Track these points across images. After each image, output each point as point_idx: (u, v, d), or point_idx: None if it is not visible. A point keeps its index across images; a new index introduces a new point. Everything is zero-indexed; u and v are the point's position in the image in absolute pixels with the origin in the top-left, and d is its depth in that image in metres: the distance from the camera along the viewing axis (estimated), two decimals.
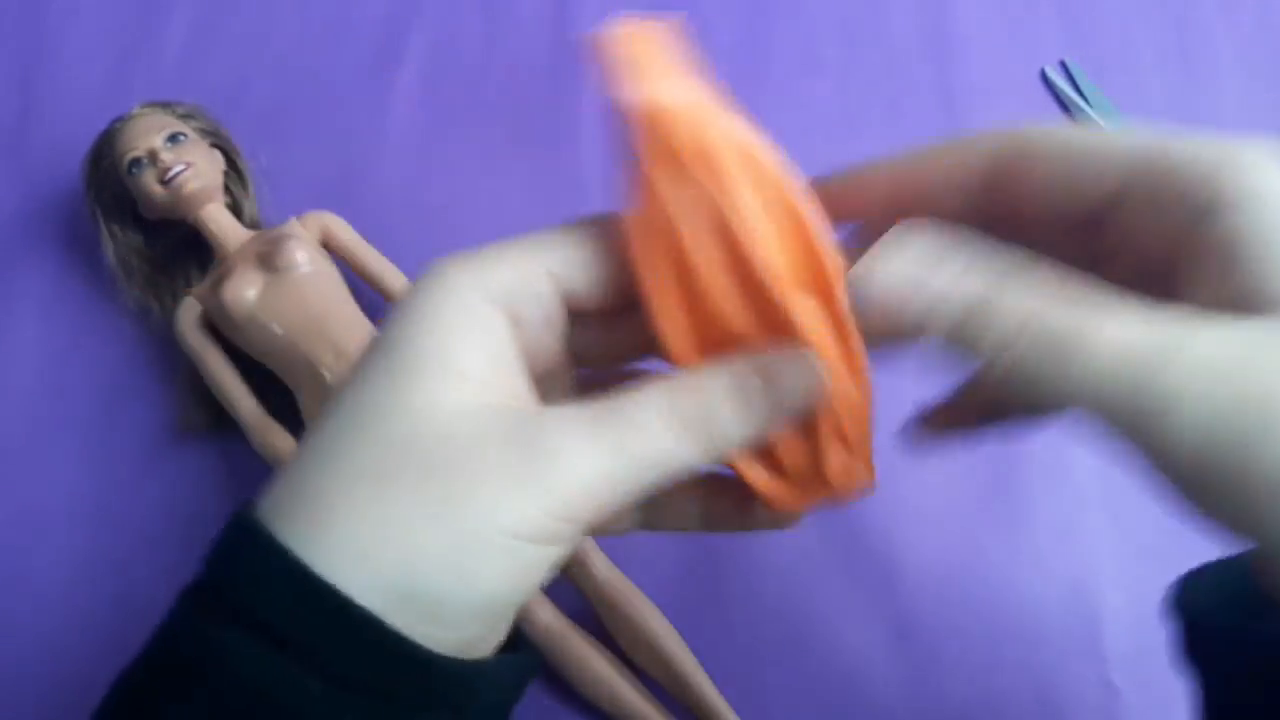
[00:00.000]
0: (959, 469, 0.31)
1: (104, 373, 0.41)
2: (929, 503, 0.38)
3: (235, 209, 0.41)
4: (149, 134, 0.39)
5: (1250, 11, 0.46)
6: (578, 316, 0.23)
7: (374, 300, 0.40)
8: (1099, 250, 0.23)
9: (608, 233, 0.22)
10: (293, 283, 0.37)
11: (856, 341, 0.22)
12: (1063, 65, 0.46)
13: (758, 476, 0.23)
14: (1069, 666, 0.36)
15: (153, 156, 0.39)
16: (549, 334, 0.22)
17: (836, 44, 0.46)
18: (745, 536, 0.38)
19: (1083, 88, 0.45)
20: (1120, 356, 0.18)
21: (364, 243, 0.40)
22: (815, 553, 0.37)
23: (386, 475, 0.19)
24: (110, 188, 0.41)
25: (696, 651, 0.35)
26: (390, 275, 0.40)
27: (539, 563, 0.20)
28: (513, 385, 0.21)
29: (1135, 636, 0.36)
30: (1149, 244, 0.21)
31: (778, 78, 0.46)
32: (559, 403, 0.21)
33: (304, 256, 0.38)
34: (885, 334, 0.21)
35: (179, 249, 0.42)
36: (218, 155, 0.41)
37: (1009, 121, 0.23)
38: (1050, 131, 0.22)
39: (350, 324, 0.38)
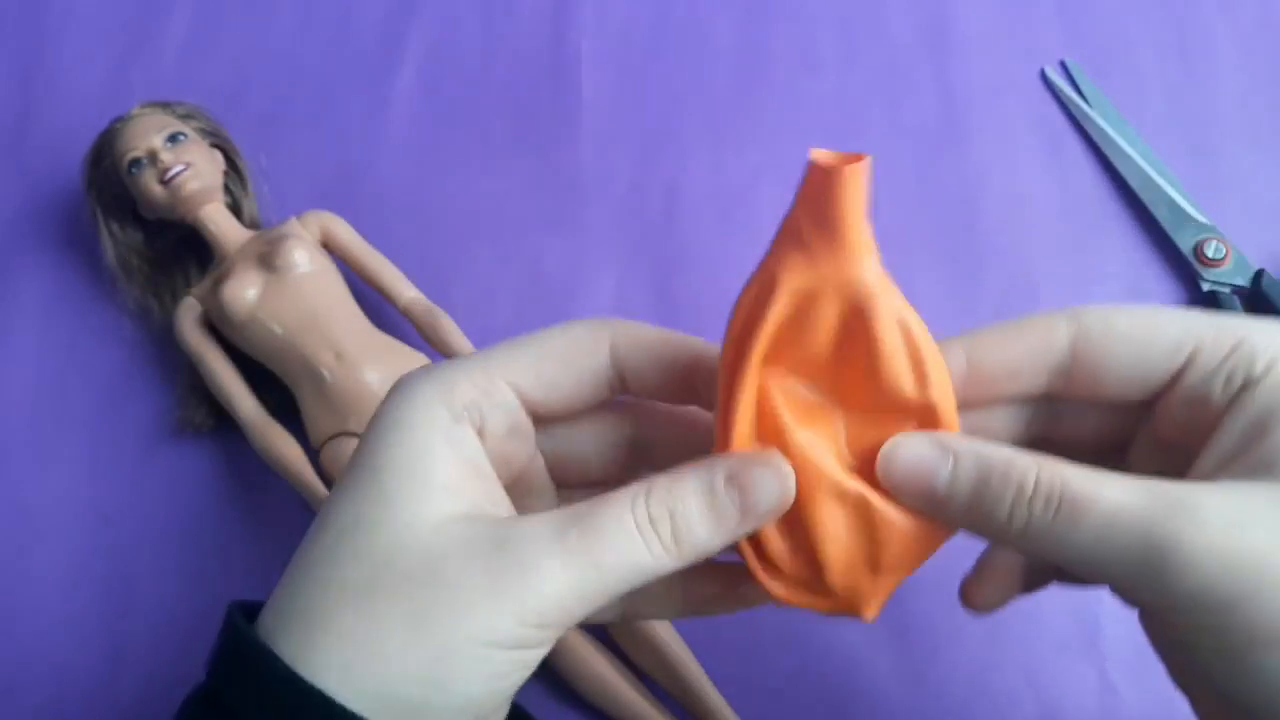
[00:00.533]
0: None
1: (103, 372, 0.41)
2: None
3: (235, 209, 0.41)
4: (149, 134, 0.39)
5: (1250, 11, 0.46)
6: (548, 422, 0.25)
7: (374, 300, 0.40)
8: (1133, 429, 0.25)
9: (565, 342, 0.24)
10: (292, 283, 0.37)
11: None
12: (1062, 65, 0.46)
13: (757, 569, 0.24)
14: (1069, 666, 0.36)
15: (152, 156, 0.39)
16: (517, 441, 0.24)
17: (836, 44, 0.46)
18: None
19: (1083, 88, 0.45)
20: (1129, 509, 0.20)
21: (364, 242, 0.40)
22: None
23: (368, 590, 0.21)
24: (110, 188, 0.41)
25: (696, 651, 0.35)
26: (390, 275, 0.40)
27: (514, 667, 0.21)
28: (488, 493, 0.23)
29: (1135, 636, 0.36)
30: (1188, 417, 0.23)
31: (778, 78, 0.46)
32: (536, 508, 0.23)
33: (304, 256, 0.38)
34: (914, 500, 0.22)
35: (179, 249, 0.42)
36: (218, 155, 0.41)
37: (1079, 305, 0.24)
38: (1121, 314, 0.24)
39: (350, 324, 0.38)
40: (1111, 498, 0.20)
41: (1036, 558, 0.23)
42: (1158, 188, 0.42)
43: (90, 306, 0.42)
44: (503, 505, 0.23)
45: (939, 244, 0.42)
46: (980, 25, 0.47)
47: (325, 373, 0.36)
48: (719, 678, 0.35)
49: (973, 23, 0.47)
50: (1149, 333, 0.23)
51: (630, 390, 0.25)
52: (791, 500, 0.22)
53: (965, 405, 0.24)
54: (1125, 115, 0.44)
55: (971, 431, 0.24)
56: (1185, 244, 0.41)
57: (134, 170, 0.39)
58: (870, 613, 0.24)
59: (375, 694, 0.20)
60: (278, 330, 0.37)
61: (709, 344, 0.25)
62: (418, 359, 0.38)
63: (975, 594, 0.28)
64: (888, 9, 0.47)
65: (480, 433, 0.23)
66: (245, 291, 0.37)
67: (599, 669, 0.35)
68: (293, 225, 0.40)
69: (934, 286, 0.42)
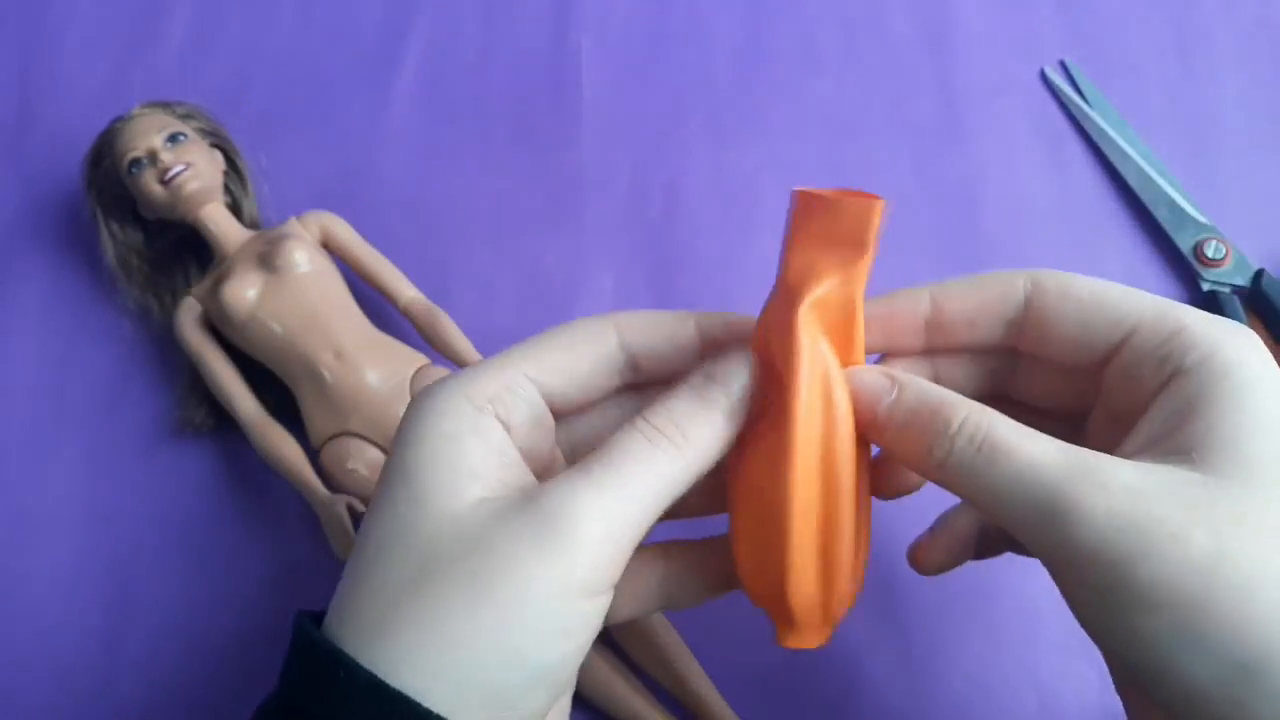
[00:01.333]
0: None
1: (103, 372, 0.41)
2: (929, 503, 0.38)
3: (235, 209, 0.41)
4: (149, 134, 0.39)
5: (1250, 11, 0.46)
6: (565, 415, 0.26)
7: (374, 300, 0.40)
8: (1088, 400, 0.26)
9: (575, 335, 0.26)
10: (293, 282, 0.37)
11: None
12: (1062, 65, 0.46)
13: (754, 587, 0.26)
14: (1069, 666, 0.36)
15: (152, 156, 0.39)
16: (541, 433, 0.25)
17: (836, 43, 0.46)
18: None
19: (1083, 88, 0.45)
20: (1043, 463, 0.22)
21: (364, 242, 0.40)
22: None
23: (421, 581, 0.21)
24: (110, 188, 0.41)
25: (695, 650, 0.35)
26: (390, 275, 0.40)
27: (580, 621, 0.22)
28: (518, 478, 0.24)
29: None
30: (1125, 391, 0.25)
31: (778, 77, 0.46)
32: None
33: (304, 256, 0.38)
34: (860, 416, 0.25)
35: (178, 249, 0.42)
36: (218, 155, 0.41)
37: (1038, 265, 0.27)
38: (1076, 280, 0.26)
39: (350, 323, 0.38)
40: (1030, 449, 0.22)
41: (954, 492, 0.24)
42: (1157, 188, 0.42)
43: (90, 306, 0.42)
44: (533, 486, 0.24)
45: (939, 243, 0.42)
46: (981, 25, 0.47)
47: (325, 372, 0.36)
48: (718, 677, 0.35)
49: (973, 22, 0.47)
50: (1098, 302, 0.25)
51: (642, 371, 0.26)
52: (752, 385, 0.25)
53: (930, 350, 0.27)
54: (1125, 115, 0.44)
55: (936, 380, 0.27)
56: (1185, 244, 0.41)
57: (134, 170, 0.39)
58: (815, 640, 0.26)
59: (453, 682, 0.20)
60: (278, 330, 0.37)
61: (707, 314, 0.27)
62: (418, 359, 0.38)
63: (925, 556, 0.30)
64: (888, 9, 0.47)
65: (505, 425, 0.24)
66: (245, 291, 0.37)
67: (599, 667, 0.35)
68: (292, 225, 0.40)
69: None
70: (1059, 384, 0.27)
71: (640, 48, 0.46)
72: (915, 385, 0.24)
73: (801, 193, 0.24)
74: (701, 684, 0.35)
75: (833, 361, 0.24)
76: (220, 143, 0.42)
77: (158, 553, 0.38)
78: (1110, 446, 0.23)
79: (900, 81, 0.46)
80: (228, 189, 0.41)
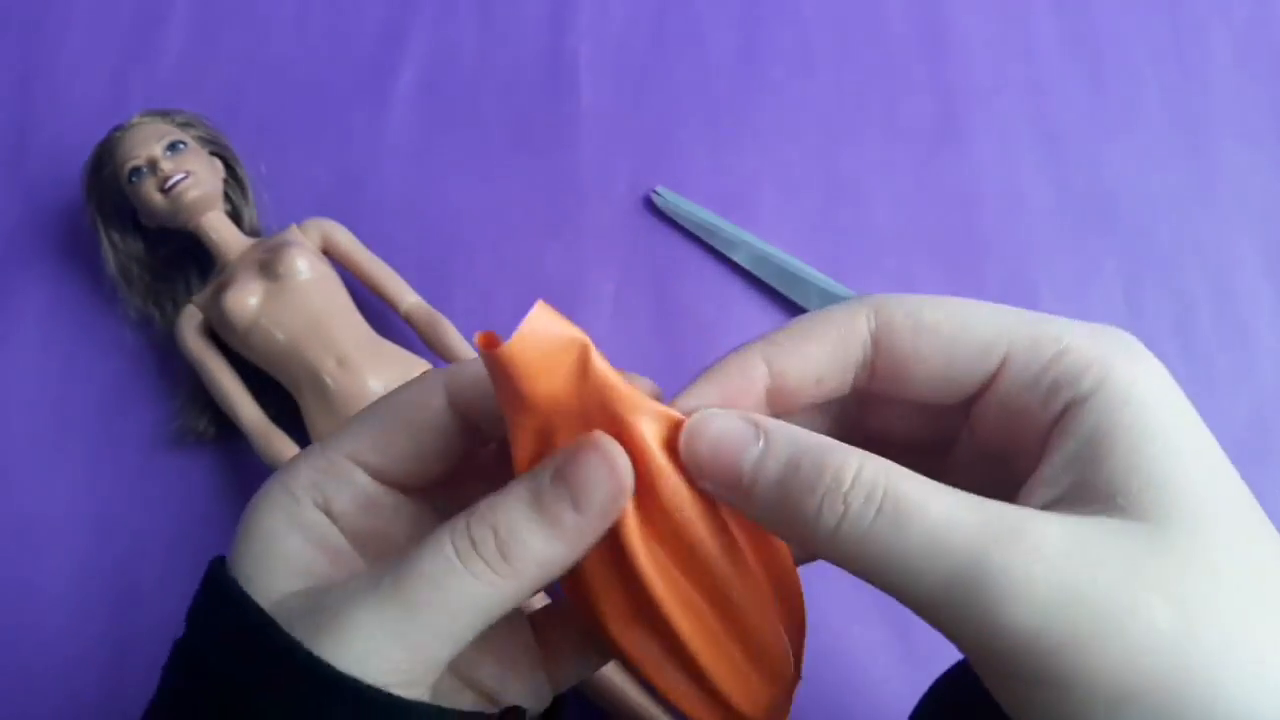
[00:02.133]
0: None
1: (105, 381, 0.41)
2: None
3: (235, 217, 0.41)
4: (149, 142, 0.39)
5: (1246, 11, 0.47)
6: (429, 488, 0.23)
7: (375, 306, 0.40)
8: (952, 432, 0.23)
9: (399, 404, 0.23)
10: (294, 290, 0.37)
11: (777, 549, 0.22)
12: (654, 194, 0.46)
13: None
14: None
15: (153, 165, 0.39)
16: (378, 515, 0.23)
17: (832, 46, 0.47)
18: None
19: (683, 210, 0.43)
20: (960, 525, 0.18)
21: (364, 249, 0.41)
22: None
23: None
24: (110, 196, 0.41)
25: None
26: (391, 281, 0.40)
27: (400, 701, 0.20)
28: (346, 566, 0.22)
29: None
30: (1005, 427, 0.21)
31: (775, 80, 0.46)
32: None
33: (305, 263, 0.38)
34: (716, 481, 0.20)
35: (179, 257, 0.42)
36: (217, 163, 0.41)
37: (874, 295, 0.22)
38: (928, 307, 0.21)
39: (351, 330, 0.38)
40: (941, 509, 0.18)
41: (848, 568, 0.19)
42: (804, 280, 0.41)
43: (91, 315, 0.42)
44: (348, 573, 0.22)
45: (937, 244, 0.43)
46: (976, 27, 0.47)
47: (328, 379, 0.36)
48: None
49: (969, 23, 0.47)
50: (957, 330, 0.21)
51: (489, 434, 0.23)
52: (630, 487, 0.20)
53: (774, 414, 0.22)
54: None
55: None
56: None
57: (134, 179, 0.39)
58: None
59: None
60: (280, 337, 0.37)
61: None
62: (419, 365, 0.38)
63: None
64: (884, 10, 0.47)
65: (328, 512, 0.22)
66: (247, 299, 0.37)
67: (608, 672, 0.35)
68: (293, 232, 0.40)
69: (932, 287, 0.42)
70: (916, 421, 0.23)
71: (637, 53, 0.47)
72: (786, 434, 0.20)
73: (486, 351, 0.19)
74: None
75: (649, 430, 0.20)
76: (220, 151, 0.42)
77: (161, 560, 0.38)
78: (983, 488, 0.19)
79: (896, 83, 0.46)
80: (228, 197, 0.41)
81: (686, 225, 0.42)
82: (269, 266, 0.38)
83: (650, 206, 0.43)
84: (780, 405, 0.22)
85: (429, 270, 0.42)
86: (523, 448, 0.21)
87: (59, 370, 0.41)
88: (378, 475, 0.23)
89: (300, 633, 0.19)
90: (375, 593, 0.19)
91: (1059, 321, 0.21)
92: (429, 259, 0.42)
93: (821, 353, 0.21)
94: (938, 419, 0.23)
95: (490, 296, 0.42)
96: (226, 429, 0.39)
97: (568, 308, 0.42)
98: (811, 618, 0.38)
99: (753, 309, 0.42)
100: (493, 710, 0.23)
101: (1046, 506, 0.19)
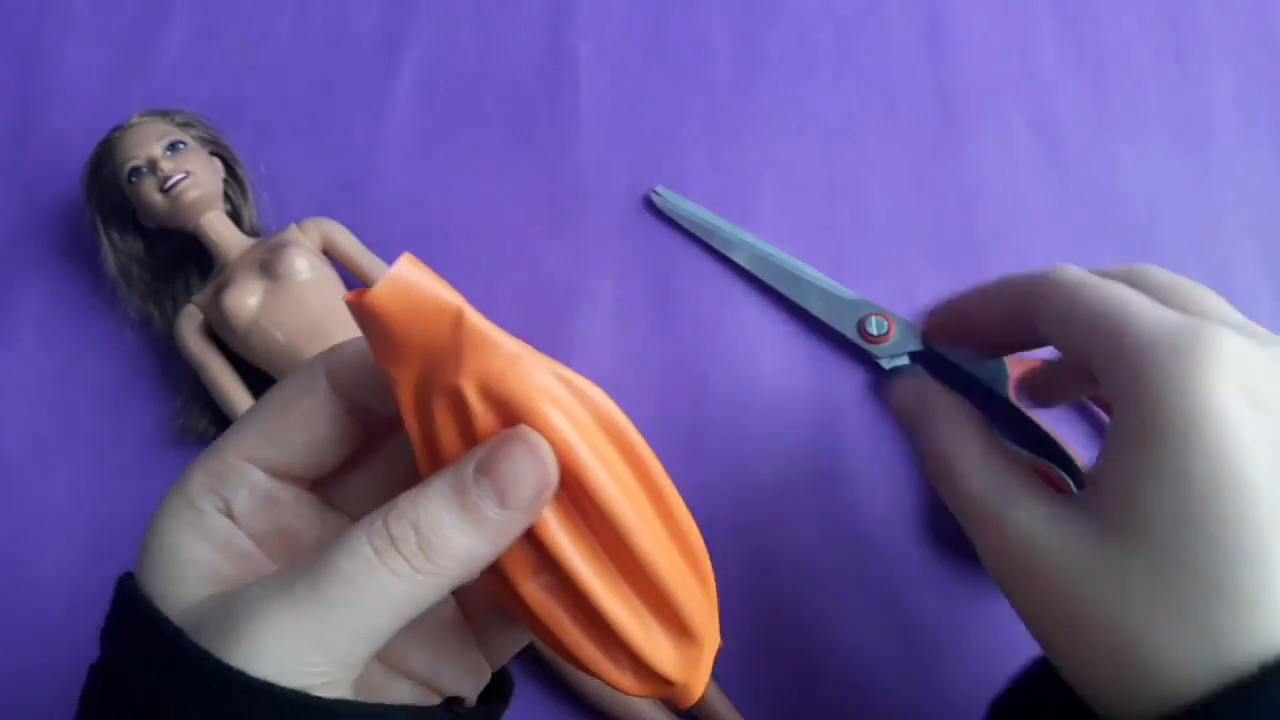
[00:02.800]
0: None
1: (105, 381, 0.41)
2: (929, 503, 0.38)
3: (235, 217, 0.41)
4: (148, 142, 0.39)
5: (1246, 11, 0.47)
6: (333, 479, 0.23)
7: None
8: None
9: (284, 395, 0.22)
10: (294, 290, 0.37)
11: (678, 509, 0.22)
12: (655, 193, 0.46)
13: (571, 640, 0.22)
14: None
15: (152, 165, 0.39)
16: (280, 512, 0.22)
17: (833, 46, 0.47)
18: (746, 536, 0.38)
19: (680, 210, 0.43)
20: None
21: (364, 249, 0.41)
22: (817, 552, 0.38)
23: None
24: (110, 197, 0.41)
25: None
26: None
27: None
28: (253, 569, 0.22)
29: None
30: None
31: (775, 80, 0.46)
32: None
33: (304, 263, 0.38)
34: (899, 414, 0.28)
35: (179, 257, 0.42)
36: (217, 163, 0.41)
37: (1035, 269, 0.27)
38: (1056, 287, 0.25)
39: (352, 330, 0.38)
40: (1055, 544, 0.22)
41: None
42: (806, 280, 0.41)
43: (91, 315, 0.42)
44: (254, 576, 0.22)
45: (936, 244, 0.43)
46: (976, 27, 0.47)
47: None
48: (721, 677, 0.36)
49: (969, 24, 0.47)
50: (1075, 308, 0.24)
51: (377, 414, 0.22)
52: (556, 480, 0.20)
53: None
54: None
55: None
56: (848, 329, 0.39)
57: (134, 179, 0.39)
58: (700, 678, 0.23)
59: None
60: (280, 337, 0.37)
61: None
62: None
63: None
64: (885, 10, 0.47)
65: (229, 514, 0.22)
66: (247, 299, 0.37)
67: None
68: (293, 232, 0.40)
69: (932, 287, 0.42)
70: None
71: (637, 52, 0.47)
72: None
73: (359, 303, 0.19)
74: (717, 700, 0.35)
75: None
76: (220, 151, 0.42)
77: None
78: None
79: (896, 83, 0.46)
80: (228, 197, 0.41)
81: (686, 225, 0.42)
82: (269, 266, 0.38)
83: (650, 207, 0.43)
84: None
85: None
86: (409, 410, 0.20)
87: (59, 370, 0.41)
88: (274, 471, 0.22)
89: (211, 641, 0.19)
90: (289, 594, 0.19)
91: (1141, 307, 0.23)
92: (428, 258, 0.42)
93: (996, 294, 0.29)
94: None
95: (490, 295, 0.42)
96: (226, 428, 0.39)
97: (568, 308, 0.42)
98: (812, 617, 0.38)
99: (753, 309, 0.42)
100: (433, 701, 0.23)
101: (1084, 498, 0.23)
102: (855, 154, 0.44)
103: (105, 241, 0.41)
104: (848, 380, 0.40)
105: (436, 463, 0.20)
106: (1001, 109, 0.45)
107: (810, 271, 0.41)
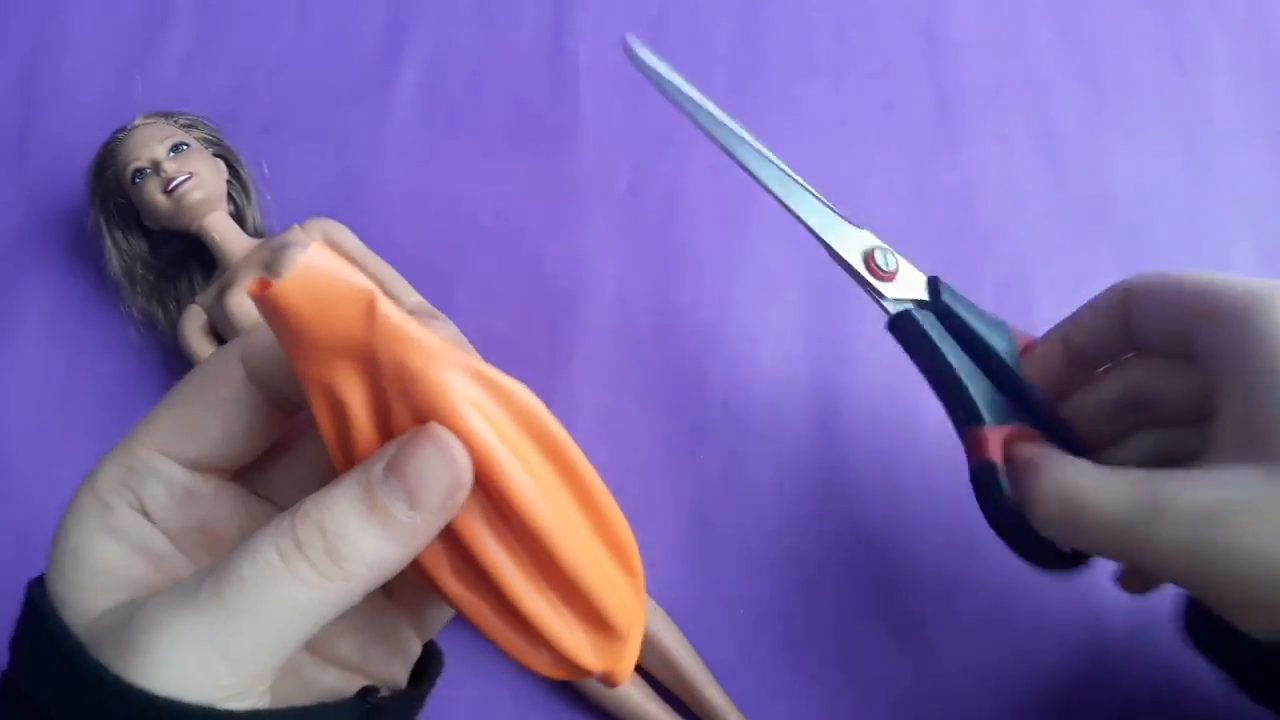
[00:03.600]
0: (960, 468, 0.31)
1: (108, 382, 0.41)
2: (930, 502, 0.39)
3: (238, 217, 0.41)
4: (151, 144, 0.39)
5: (1243, 11, 0.47)
6: (251, 469, 0.22)
7: None
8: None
9: (196, 384, 0.21)
10: None
11: (603, 501, 0.21)
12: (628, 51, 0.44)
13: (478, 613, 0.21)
14: (1073, 664, 0.36)
15: (156, 166, 0.39)
16: (198, 505, 0.21)
17: (831, 48, 0.47)
18: (746, 535, 0.38)
19: (660, 69, 0.36)
20: (1114, 513, 0.25)
21: (367, 249, 0.41)
22: (817, 552, 0.38)
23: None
24: (114, 198, 0.41)
25: (700, 651, 0.36)
26: (393, 281, 0.40)
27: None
28: (168, 571, 0.20)
29: (1136, 631, 0.36)
30: (1209, 372, 0.26)
31: (774, 81, 0.46)
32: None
33: None
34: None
35: (183, 258, 0.42)
36: (220, 164, 0.41)
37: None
38: (1143, 285, 0.29)
39: None
40: (1101, 502, 0.25)
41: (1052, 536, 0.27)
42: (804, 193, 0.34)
43: (95, 316, 0.42)
44: (164, 577, 0.21)
45: (935, 244, 0.43)
46: (974, 28, 0.47)
47: None
48: (722, 677, 0.36)
49: (967, 25, 0.47)
50: (1165, 295, 0.28)
51: (298, 403, 0.21)
52: (469, 480, 0.19)
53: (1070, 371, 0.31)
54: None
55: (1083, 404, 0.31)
56: (855, 259, 0.33)
57: (137, 180, 0.39)
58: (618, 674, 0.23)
59: None
60: None
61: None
62: None
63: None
64: (882, 12, 0.47)
65: (143, 511, 0.21)
66: (250, 300, 0.37)
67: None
68: (296, 233, 0.40)
69: None
70: (1184, 381, 0.28)
71: None
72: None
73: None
74: (706, 683, 0.35)
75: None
76: (223, 152, 0.42)
77: None
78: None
79: (895, 84, 0.46)
80: (231, 198, 0.41)
81: (670, 92, 0.35)
82: (272, 267, 0.38)
83: (651, 206, 0.44)
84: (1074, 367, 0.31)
85: (431, 270, 0.42)
86: (320, 407, 0.19)
87: (63, 371, 0.42)
88: (190, 463, 0.21)
89: (110, 654, 0.18)
90: (191, 602, 0.18)
91: (1215, 280, 0.27)
92: (431, 259, 0.43)
93: (1095, 323, 0.30)
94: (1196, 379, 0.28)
95: (492, 296, 0.42)
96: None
97: (568, 307, 0.42)
98: (812, 617, 0.38)
99: (754, 309, 0.42)
100: (347, 693, 0.22)
101: (1212, 453, 0.25)
102: (854, 154, 0.45)
103: (109, 243, 0.41)
104: (850, 374, 0.40)
105: (350, 461, 0.20)
106: (999, 110, 0.45)
107: (808, 188, 0.34)
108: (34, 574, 0.38)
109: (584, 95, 0.46)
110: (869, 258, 0.33)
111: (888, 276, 0.33)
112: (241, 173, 0.43)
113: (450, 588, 0.21)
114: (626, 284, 0.42)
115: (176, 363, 0.41)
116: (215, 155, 0.41)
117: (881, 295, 0.33)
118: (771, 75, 0.46)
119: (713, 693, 0.35)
